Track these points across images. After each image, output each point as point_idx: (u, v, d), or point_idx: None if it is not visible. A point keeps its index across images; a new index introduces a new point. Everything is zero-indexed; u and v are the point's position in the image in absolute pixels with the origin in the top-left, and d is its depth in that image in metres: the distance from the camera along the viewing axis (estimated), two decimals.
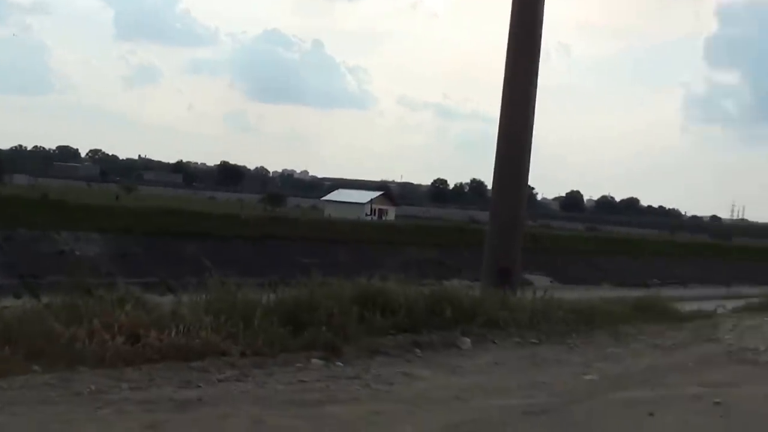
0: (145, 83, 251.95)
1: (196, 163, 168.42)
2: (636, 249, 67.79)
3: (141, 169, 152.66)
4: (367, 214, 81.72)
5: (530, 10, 16.15)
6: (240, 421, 6.65)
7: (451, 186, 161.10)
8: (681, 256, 68.04)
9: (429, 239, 54.12)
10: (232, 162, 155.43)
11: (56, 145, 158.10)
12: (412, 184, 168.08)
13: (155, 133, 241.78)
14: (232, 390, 7.58)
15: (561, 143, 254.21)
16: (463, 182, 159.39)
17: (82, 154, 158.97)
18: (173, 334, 8.79)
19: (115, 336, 8.49)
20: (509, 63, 16.19)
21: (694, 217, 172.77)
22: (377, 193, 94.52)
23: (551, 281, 41.42)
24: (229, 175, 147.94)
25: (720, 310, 17.95)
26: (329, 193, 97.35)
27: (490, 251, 16.10)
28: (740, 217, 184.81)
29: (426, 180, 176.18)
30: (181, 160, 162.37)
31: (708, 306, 18.67)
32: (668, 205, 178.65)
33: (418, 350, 9.73)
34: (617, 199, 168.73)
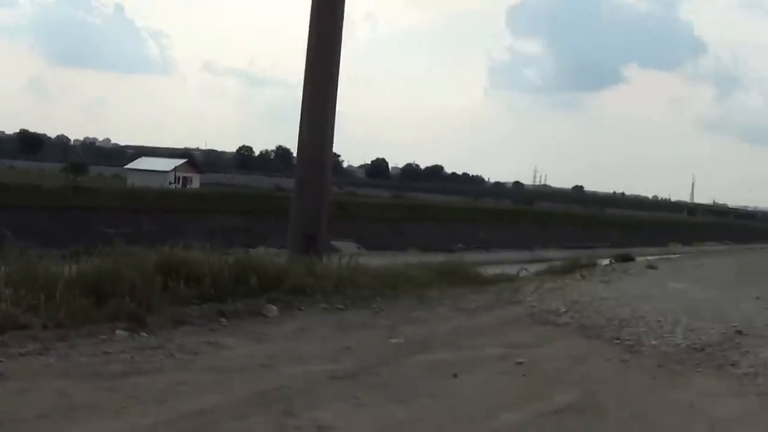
0: None
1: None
2: (440, 215, 69.64)
3: None
4: (171, 183, 79.72)
5: None
6: (43, 395, 6.44)
7: (257, 153, 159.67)
8: (485, 222, 70.54)
9: (235, 207, 53.57)
10: (31, 130, 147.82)
11: None
12: (216, 151, 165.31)
13: None
14: (34, 363, 7.32)
15: (367, 112, 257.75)
16: (269, 149, 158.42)
17: None
18: None
19: None
20: (312, 31, 16.26)
21: (498, 183, 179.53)
22: (181, 161, 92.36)
23: (358, 247, 42.06)
24: (28, 143, 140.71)
25: (522, 274, 18.86)
26: (132, 161, 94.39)
27: (295, 218, 16.18)
28: (542, 182, 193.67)
29: (231, 147, 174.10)
30: None
31: (511, 270, 19.54)
32: (472, 172, 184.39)
33: (223, 319, 9.67)
34: (422, 166, 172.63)
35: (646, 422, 6.86)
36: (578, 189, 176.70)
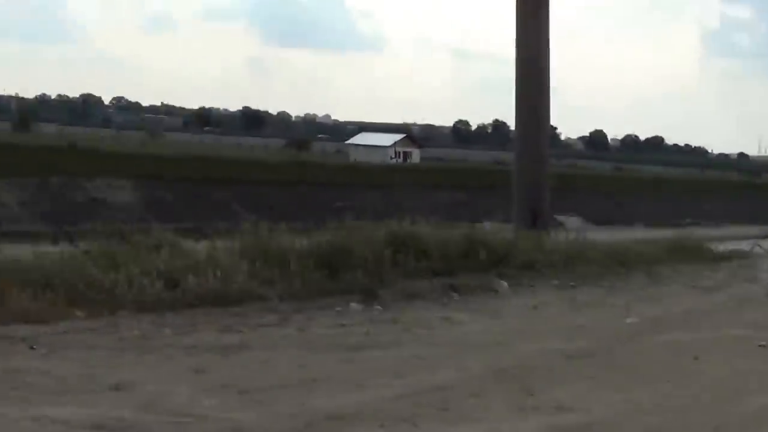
0: (161, 31, 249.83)
1: (218, 109, 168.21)
2: (665, 188, 66.98)
3: (164, 115, 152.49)
4: (391, 158, 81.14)
5: None
6: (283, 365, 6.65)
7: (474, 127, 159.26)
8: (711, 195, 67.20)
9: (456, 181, 53.74)
10: (253, 108, 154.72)
11: (80, 93, 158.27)
12: (433, 126, 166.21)
13: (176, 80, 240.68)
14: (273, 334, 7.59)
15: (581, 82, 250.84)
16: (486, 123, 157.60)
17: (106, 102, 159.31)
18: (210, 279, 8.83)
19: (154, 282, 8.55)
20: (520, 2, 16.03)
21: (722, 155, 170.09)
22: (400, 136, 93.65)
23: (583, 222, 41.04)
24: (251, 120, 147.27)
25: (756, 250, 17.73)
26: (353, 137, 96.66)
27: (519, 193, 16.02)
28: None
29: (448, 122, 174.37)
30: (204, 107, 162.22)
31: (742, 245, 18.42)
32: (694, 143, 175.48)
33: (454, 294, 9.70)
34: (642, 137, 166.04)
35: None
36: None
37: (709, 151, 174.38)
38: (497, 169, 55.63)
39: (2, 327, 7.08)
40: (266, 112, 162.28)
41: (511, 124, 17.61)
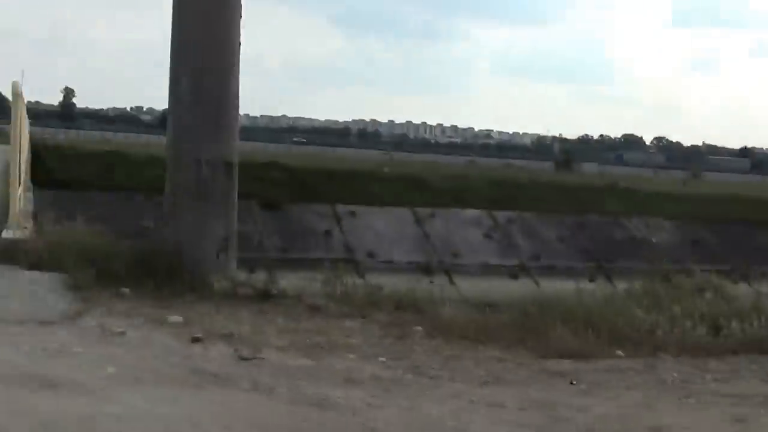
0: (706, 71, 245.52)
1: (761, 149, 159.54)
2: None
3: (706, 155, 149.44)
4: None
5: None
6: None
7: None
8: None
9: None
10: None
11: (621, 133, 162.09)
12: None
13: (718, 118, 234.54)
14: None
15: None
16: None
17: (647, 142, 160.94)
18: (755, 325, 8.56)
19: (696, 325, 8.54)
20: None
21: None
22: None
23: None
24: None
25: None
26: None
27: None
28: None
29: None
30: (746, 146, 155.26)
31: None
32: None
33: None
34: None
35: None
36: None
37: None
38: None
39: (544, 361, 7.49)
40: None
41: None
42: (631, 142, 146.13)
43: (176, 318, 7.36)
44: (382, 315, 8.22)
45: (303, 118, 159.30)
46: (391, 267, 23.04)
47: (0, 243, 9.38)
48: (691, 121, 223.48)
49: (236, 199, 9.85)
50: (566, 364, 7.46)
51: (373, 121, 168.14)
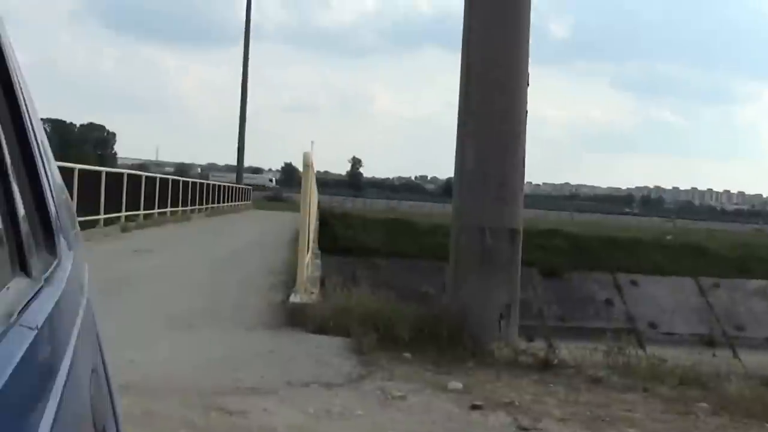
0: None
1: None
2: None
3: None
4: None
5: None
6: None
7: None
8: None
9: None
10: None
11: None
12: None
13: None
14: None
15: None
16: None
17: None
18: None
19: None
20: None
21: None
22: None
23: None
24: None
25: None
26: None
27: None
28: None
29: None
30: None
31: None
32: None
33: None
34: None
35: None
36: None
37: None
38: None
39: None
40: None
41: None
42: None
43: (456, 384, 7.42)
44: (664, 389, 7.90)
45: (585, 186, 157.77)
46: (672, 338, 22.26)
47: (288, 307, 9.96)
48: None
49: (519, 267, 9.88)
50: None
51: (657, 187, 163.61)
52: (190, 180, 37.59)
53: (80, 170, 18.92)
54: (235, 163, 69.09)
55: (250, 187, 65.33)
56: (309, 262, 12.27)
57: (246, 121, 64.60)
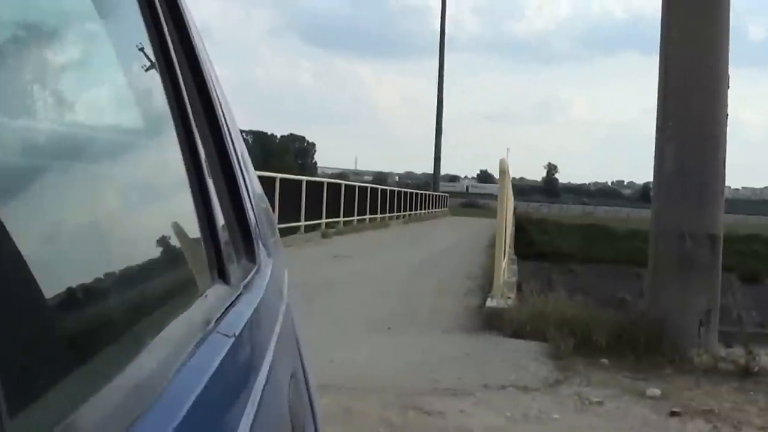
0: None
1: None
2: None
3: None
4: None
5: None
6: None
7: None
8: None
9: None
10: None
11: None
12: None
13: None
14: None
15: None
16: None
17: None
18: None
19: None
20: None
21: None
22: None
23: None
24: None
25: None
26: None
27: None
28: None
29: None
30: None
31: None
32: None
33: None
34: None
35: None
36: None
37: None
38: None
39: None
40: None
41: None
42: None
43: (654, 391, 7.16)
44: None
45: None
46: None
47: (485, 311, 9.92)
48: None
49: (720, 273, 9.42)
50: None
51: None
52: (387, 188, 38.22)
53: (282, 179, 19.60)
54: (431, 171, 69.78)
55: (446, 194, 65.73)
56: (505, 267, 12.18)
57: (442, 129, 65.13)
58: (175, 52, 1.35)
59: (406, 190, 44.67)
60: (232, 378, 1.08)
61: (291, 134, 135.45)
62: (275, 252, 1.92)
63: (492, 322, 9.39)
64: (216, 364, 0.97)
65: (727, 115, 9.48)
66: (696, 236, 9.18)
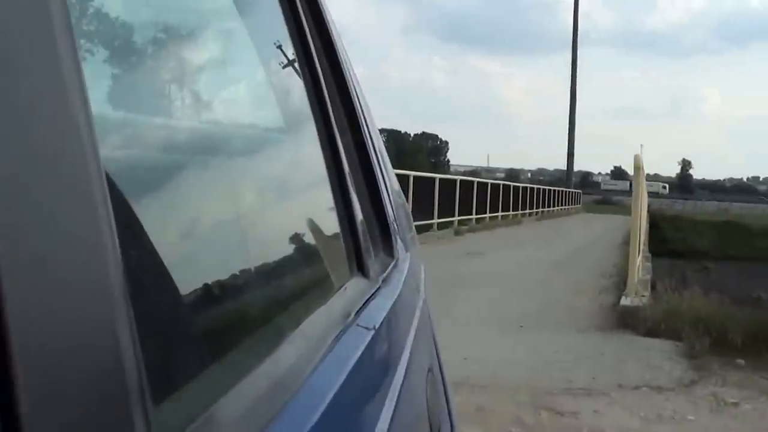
0: None
1: None
2: None
3: None
4: None
5: None
6: None
7: None
8: None
9: None
10: None
11: None
12: None
13: None
14: None
15: None
16: None
17: None
18: None
19: None
20: None
21: None
22: None
23: None
24: None
25: None
26: None
27: None
28: None
29: None
30: None
31: None
32: None
33: None
34: None
35: None
36: None
37: None
38: None
39: None
40: None
41: None
42: None
43: None
44: None
45: None
46: None
47: (619, 310, 9.66)
48: None
49: None
50: None
51: None
52: (519, 185, 37.80)
53: (415, 177, 19.64)
54: (563, 167, 68.68)
55: (579, 191, 64.51)
56: (640, 265, 11.83)
57: (575, 124, 64.01)
58: (315, 48, 1.34)
59: (538, 186, 44.06)
60: (372, 371, 1.05)
61: (424, 132, 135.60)
62: (412, 247, 1.90)
63: (626, 321, 9.14)
64: (356, 357, 0.95)
65: None
66: None
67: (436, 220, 21.49)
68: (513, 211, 32.88)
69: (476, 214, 26.63)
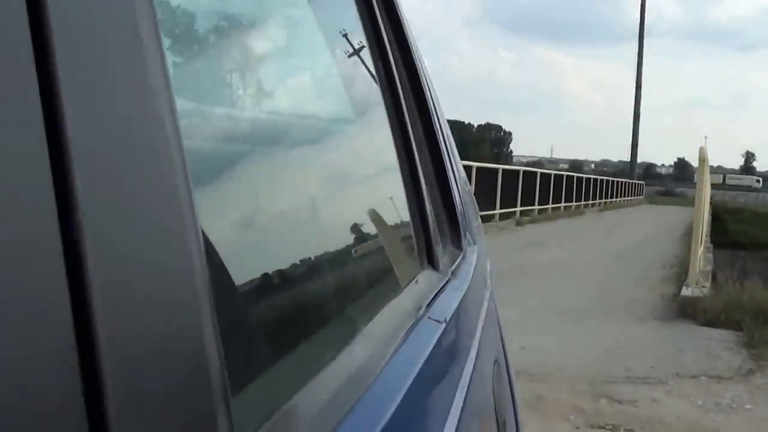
0: None
1: None
2: None
3: None
4: None
5: None
6: None
7: None
8: None
9: None
10: None
11: None
12: None
13: None
14: None
15: None
16: None
17: None
18: None
19: None
20: None
21: None
22: None
23: None
24: None
25: None
26: None
27: None
28: None
29: None
30: None
31: None
32: None
33: None
34: None
35: None
36: None
37: None
38: None
39: None
40: None
41: None
42: None
43: None
44: None
45: None
46: None
47: (679, 300, 9.49)
48: None
49: None
50: None
51: None
52: (583, 176, 37.27)
53: (478, 168, 19.50)
54: (627, 158, 67.67)
55: (642, 182, 63.41)
56: (701, 256, 11.59)
57: (640, 115, 62.99)
58: (387, 37, 1.32)
59: (601, 177, 43.39)
60: (443, 364, 1.03)
61: (487, 123, 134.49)
62: (479, 239, 1.87)
63: (686, 311, 8.97)
64: (428, 350, 0.93)
65: None
66: None
67: (498, 211, 21.32)
68: (575, 201, 32.46)
69: (538, 204, 26.35)
